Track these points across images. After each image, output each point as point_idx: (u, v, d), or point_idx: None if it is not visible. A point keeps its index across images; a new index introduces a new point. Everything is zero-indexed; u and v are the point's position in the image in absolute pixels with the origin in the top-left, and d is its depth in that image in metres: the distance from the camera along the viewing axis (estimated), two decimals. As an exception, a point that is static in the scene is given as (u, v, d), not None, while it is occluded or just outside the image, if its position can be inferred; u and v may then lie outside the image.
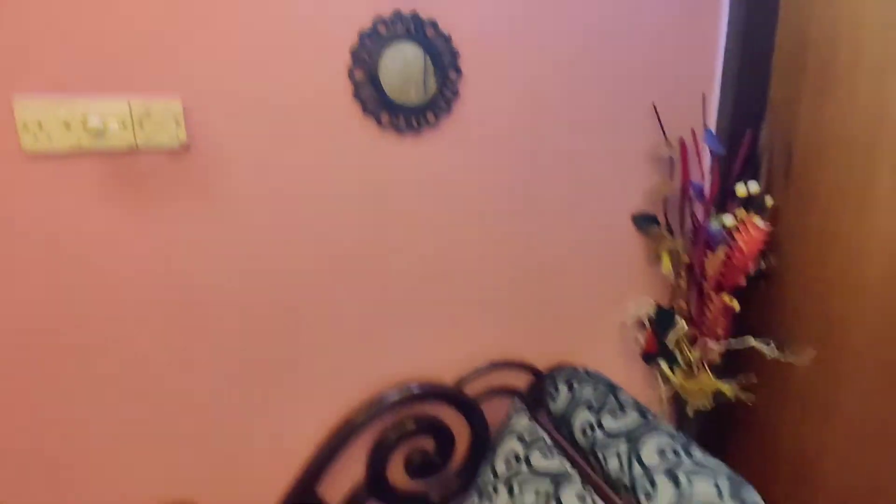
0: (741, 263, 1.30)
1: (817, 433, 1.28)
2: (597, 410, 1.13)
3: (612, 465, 1.02)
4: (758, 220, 1.28)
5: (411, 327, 1.23)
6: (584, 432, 1.12)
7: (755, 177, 1.37)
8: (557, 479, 0.96)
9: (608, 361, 1.42)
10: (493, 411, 1.31)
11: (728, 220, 1.31)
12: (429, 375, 1.27)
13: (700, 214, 1.34)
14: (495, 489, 1.04)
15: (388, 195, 1.14)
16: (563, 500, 0.91)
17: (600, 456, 1.06)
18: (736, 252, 1.30)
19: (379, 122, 1.07)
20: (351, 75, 1.04)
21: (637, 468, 0.98)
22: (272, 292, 1.10)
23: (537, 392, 1.31)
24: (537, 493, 0.95)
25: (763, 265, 1.38)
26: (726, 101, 1.37)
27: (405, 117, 1.08)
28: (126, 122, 0.90)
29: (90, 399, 1.01)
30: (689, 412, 1.39)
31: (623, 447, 1.02)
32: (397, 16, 1.03)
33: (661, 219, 1.37)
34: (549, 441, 1.07)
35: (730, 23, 1.35)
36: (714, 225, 1.32)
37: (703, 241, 1.33)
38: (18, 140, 0.88)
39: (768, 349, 1.33)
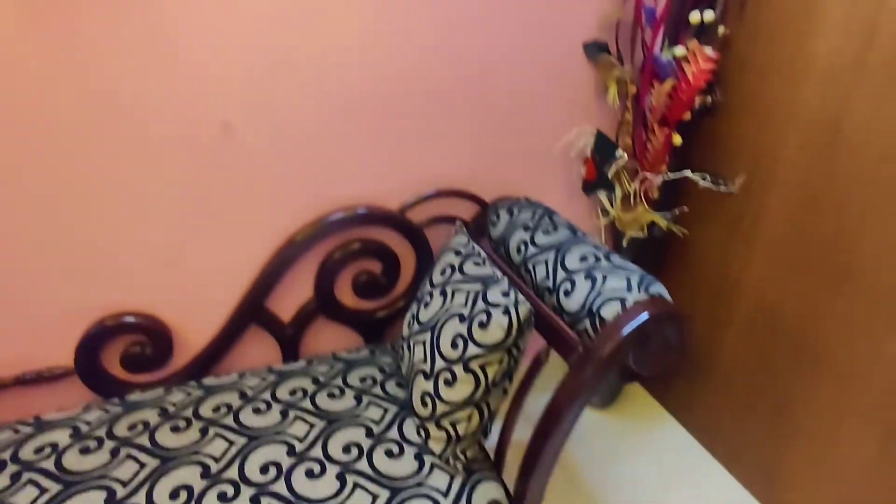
0: (687, 96, 1.31)
1: (740, 257, 1.38)
2: (532, 230, 1.19)
3: (540, 273, 1.09)
4: (708, 50, 1.26)
5: (358, 153, 1.23)
6: (518, 250, 1.19)
7: (711, 6, 1.33)
8: (486, 282, 1.03)
9: (551, 193, 1.47)
10: (438, 239, 1.37)
11: (679, 50, 1.29)
12: (375, 201, 1.29)
13: (651, 42, 1.31)
14: (431, 296, 1.12)
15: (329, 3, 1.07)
16: (488, 297, 0.99)
17: (531, 267, 1.13)
18: (683, 84, 1.30)
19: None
20: None
21: (560, 272, 1.05)
22: (209, 110, 1.07)
23: (480, 221, 1.36)
24: (467, 293, 1.03)
25: (708, 100, 1.38)
26: (691, -84, 1.28)
27: None
28: None
29: (41, 214, 1.02)
30: (624, 242, 1.47)
31: (551, 256, 1.09)
32: None
33: (612, 47, 1.34)
34: (483, 255, 1.13)
35: None
36: (665, 55, 1.30)
37: (652, 71, 1.31)
38: None
39: (703, 181, 1.38)
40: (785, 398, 1.30)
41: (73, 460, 0.94)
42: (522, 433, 1.05)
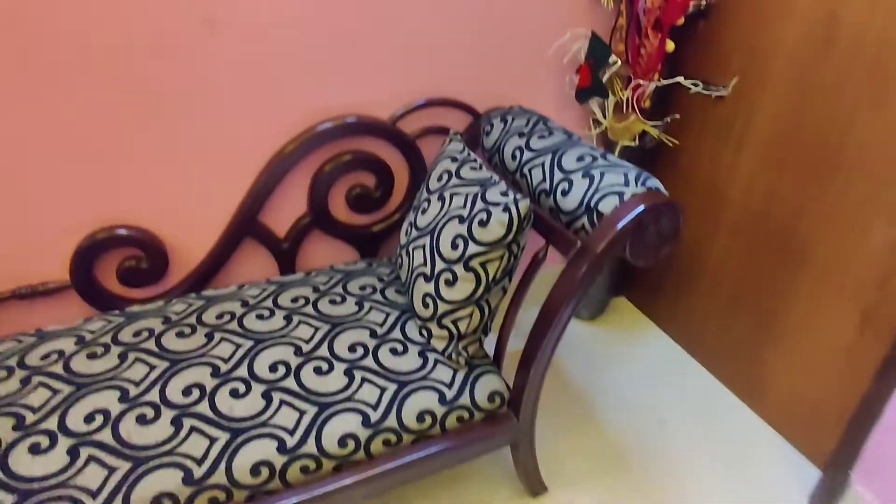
0: (682, -2, 1.28)
1: (729, 164, 1.40)
2: (527, 135, 1.18)
3: (536, 177, 1.10)
4: (706, -54, 1.23)
5: (346, 60, 1.19)
6: (513, 156, 1.18)
7: None
8: (484, 184, 1.03)
9: (542, 105, 1.45)
10: (431, 152, 1.36)
11: (676, -53, 1.25)
12: (365, 111, 1.27)
13: (648, -61, 1.26)
14: (428, 202, 1.12)
15: None
16: (487, 197, 0.99)
17: (526, 172, 1.13)
18: (678, -15, 1.26)
19: None
20: None
21: (558, 174, 1.06)
22: (192, 7, 1.01)
23: (474, 132, 1.35)
24: (466, 196, 1.03)
25: (702, 3, 1.36)
26: None
27: None
28: None
29: (27, 123, 0.98)
30: (616, 153, 1.48)
31: (547, 159, 1.09)
32: None
33: (607, -55, 1.29)
34: (479, 160, 1.13)
35: None
36: (660, -47, 1.26)
37: (648, -30, 1.27)
38: None
39: (696, 87, 1.38)
40: (767, 298, 1.36)
41: (81, 364, 0.96)
42: (516, 345, 1.09)
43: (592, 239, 0.95)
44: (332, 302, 1.14)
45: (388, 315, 1.11)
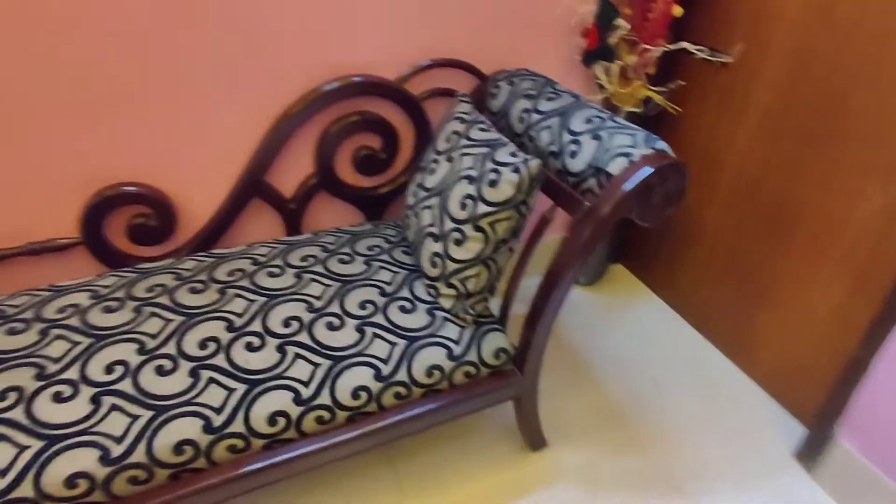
0: (692, -39, 1.27)
1: (727, 132, 1.41)
2: (535, 98, 1.19)
3: (544, 139, 1.11)
4: None
5: (350, 19, 1.18)
6: (520, 119, 1.19)
7: None
8: (493, 145, 1.04)
9: (548, 67, 1.45)
10: (437, 113, 1.36)
11: None
12: (371, 71, 1.26)
13: None
14: (437, 163, 1.13)
15: None
16: (497, 157, 1.00)
17: (534, 135, 1.14)
18: (689, -54, 1.25)
19: None
20: None
21: (566, 135, 1.07)
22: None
23: (479, 94, 1.35)
24: (475, 157, 1.04)
25: (712, -34, 1.35)
26: None
27: None
28: None
29: (40, 75, 0.96)
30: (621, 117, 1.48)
31: (555, 121, 1.10)
32: None
33: None
34: (488, 122, 1.14)
35: None
36: (672, -86, 1.24)
37: (658, -69, 1.26)
38: None
39: (700, 52, 1.38)
40: (760, 263, 1.40)
41: (97, 318, 0.97)
42: (517, 310, 1.12)
43: (601, 200, 0.97)
44: (341, 261, 1.15)
45: (395, 274, 1.13)
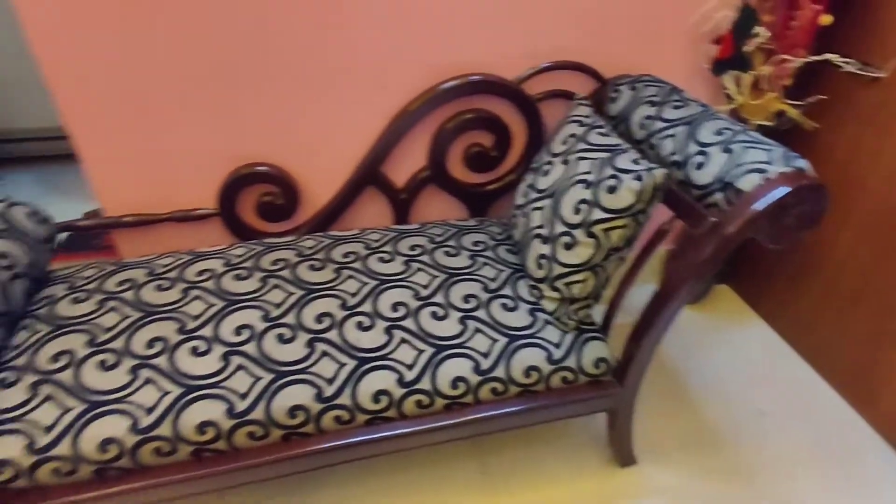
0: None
1: (871, 151, 1.29)
2: (659, 105, 1.15)
3: (667, 148, 1.07)
4: None
5: (479, 19, 1.21)
6: (641, 125, 1.16)
7: None
8: (613, 151, 1.02)
9: (672, 74, 1.39)
10: (552, 114, 1.35)
11: None
12: (491, 72, 1.28)
13: None
14: (551, 164, 1.13)
15: None
16: (617, 163, 0.98)
17: (655, 143, 1.11)
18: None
19: None
20: None
21: (692, 146, 1.03)
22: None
23: (598, 98, 1.32)
24: (593, 161, 1.03)
25: (872, -29, 1.23)
26: None
27: None
28: None
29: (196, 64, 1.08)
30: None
31: (681, 130, 1.06)
32: None
33: None
34: (608, 127, 1.12)
35: None
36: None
37: (814, -67, 1.17)
38: None
39: (848, 65, 1.27)
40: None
41: (229, 284, 1.07)
42: (619, 318, 1.10)
43: (727, 217, 0.92)
44: (447, 254, 1.19)
45: (500, 272, 1.15)
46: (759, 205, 0.89)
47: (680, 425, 1.34)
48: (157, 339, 0.95)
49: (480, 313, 1.05)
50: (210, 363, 0.92)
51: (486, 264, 1.16)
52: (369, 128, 1.27)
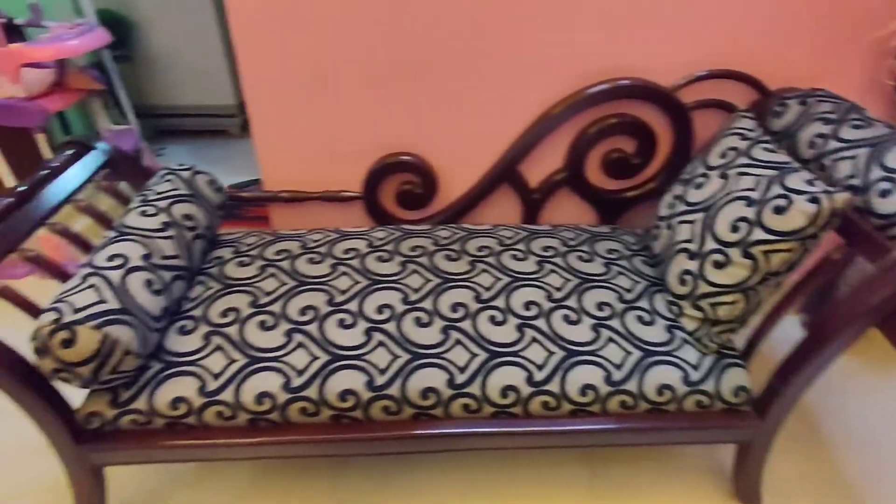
0: None
1: None
2: (835, 123, 1.05)
3: (843, 170, 0.98)
4: None
5: (631, 22, 1.17)
6: (811, 144, 1.07)
7: None
8: (782, 169, 0.95)
9: (847, 90, 1.26)
10: (703, 125, 1.29)
11: None
12: (642, 77, 1.24)
13: None
14: (706, 177, 1.07)
15: None
16: (787, 183, 0.92)
17: (827, 164, 1.02)
18: None
19: None
20: None
21: (876, 171, 0.93)
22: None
23: (759, 110, 1.24)
24: (758, 178, 0.97)
25: None
26: None
27: None
28: None
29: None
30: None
31: (862, 153, 0.97)
32: None
33: None
34: (775, 143, 1.04)
35: None
36: None
37: None
38: None
39: None
40: None
41: (372, 264, 1.13)
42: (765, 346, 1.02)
43: (919, 251, 0.83)
44: (581, 258, 1.17)
45: (636, 283, 1.11)
46: (963, 243, 0.79)
47: (812, 471, 1.23)
48: (309, 307, 1.03)
49: (614, 323, 1.03)
50: (355, 336, 0.98)
51: (620, 273, 1.14)
52: (512, 126, 1.28)
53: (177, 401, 0.91)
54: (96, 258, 0.93)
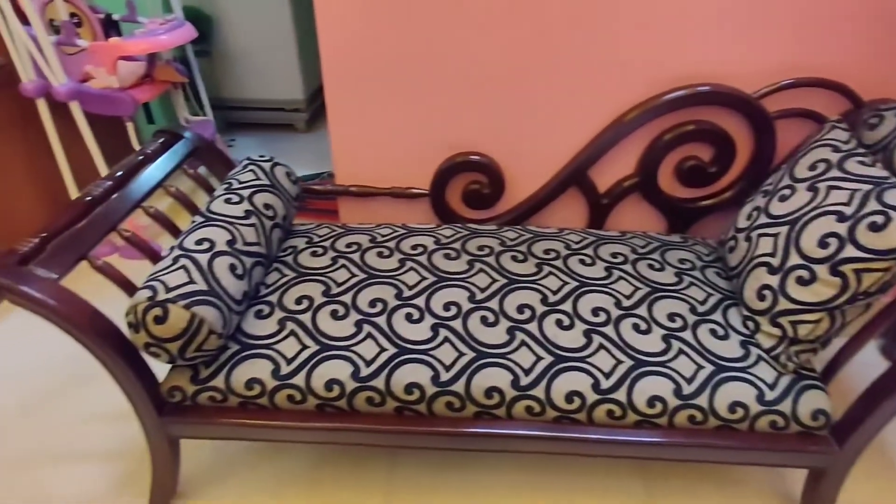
0: None
1: None
2: (940, 137, 0.99)
3: (948, 188, 0.92)
4: None
5: (713, 25, 1.14)
6: (911, 158, 1.00)
7: None
8: (880, 184, 0.90)
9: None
10: (786, 134, 1.23)
11: None
12: (722, 82, 1.20)
13: None
14: (792, 189, 1.03)
15: None
16: (886, 198, 0.87)
17: (930, 180, 0.95)
18: None
19: None
20: None
21: None
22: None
23: (850, 121, 1.17)
24: (852, 193, 0.92)
25: None
26: None
27: None
28: None
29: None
30: None
31: (973, 170, 0.90)
32: None
33: None
34: (871, 156, 0.99)
35: None
36: None
37: None
38: None
39: None
40: None
41: (440, 261, 1.14)
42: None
43: None
44: (651, 267, 1.14)
45: (709, 295, 1.08)
46: None
47: (886, 503, 1.16)
48: (377, 299, 1.05)
49: (686, 335, 1.00)
50: (422, 331, 1.00)
51: (693, 284, 1.10)
52: (584, 130, 1.27)
53: (252, 381, 0.95)
54: (186, 241, 0.99)
